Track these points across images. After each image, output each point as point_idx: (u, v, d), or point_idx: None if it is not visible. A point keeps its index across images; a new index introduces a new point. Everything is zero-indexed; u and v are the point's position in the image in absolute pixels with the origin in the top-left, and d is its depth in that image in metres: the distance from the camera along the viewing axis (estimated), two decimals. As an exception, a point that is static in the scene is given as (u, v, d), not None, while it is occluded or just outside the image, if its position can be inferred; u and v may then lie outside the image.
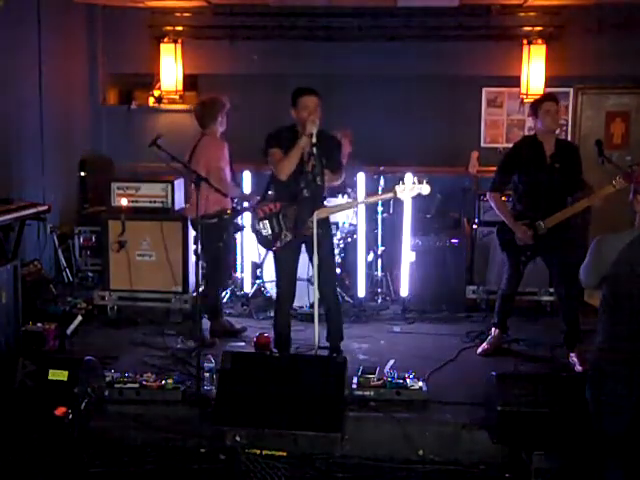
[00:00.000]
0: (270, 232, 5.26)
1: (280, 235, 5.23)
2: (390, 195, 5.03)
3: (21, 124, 7.32)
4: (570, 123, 9.00)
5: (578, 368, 5.42)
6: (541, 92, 8.66)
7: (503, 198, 5.75)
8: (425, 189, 4.93)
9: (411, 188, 4.91)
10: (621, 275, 3.50)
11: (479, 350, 5.83)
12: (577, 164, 5.60)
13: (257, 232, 5.36)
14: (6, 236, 6.26)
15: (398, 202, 7.24)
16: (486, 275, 6.97)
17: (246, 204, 6.43)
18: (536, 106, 5.54)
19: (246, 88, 9.00)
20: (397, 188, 4.86)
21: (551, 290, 6.83)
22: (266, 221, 5.26)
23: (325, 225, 5.31)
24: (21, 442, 4.38)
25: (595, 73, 8.70)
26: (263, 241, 5.37)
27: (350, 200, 5.32)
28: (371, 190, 7.13)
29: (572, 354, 5.56)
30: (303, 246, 5.37)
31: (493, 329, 5.88)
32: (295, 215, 5.19)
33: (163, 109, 9.08)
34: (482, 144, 8.90)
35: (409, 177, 4.76)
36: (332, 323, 5.48)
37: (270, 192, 5.41)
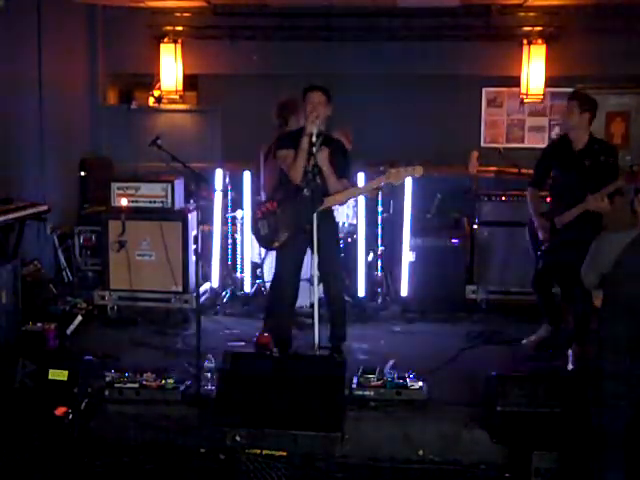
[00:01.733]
0: (267, 231, 5.27)
1: (277, 234, 5.23)
2: (385, 179, 5.06)
3: (21, 124, 7.31)
4: (570, 123, 8.99)
5: (570, 366, 5.43)
6: (541, 92, 8.67)
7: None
8: (418, 171, 4.96)
9: (405, 171, 4.94)
10: (621, 274, 3.50)
11: (524, 340, 5.89)
12: (609, 165, 5.45)
13: (256, 232, 5.36)
14: (6, 236, 6.26)
15: (398, 202, 7.25)
16: (486, 275, 6.97)
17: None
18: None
19: (246, 88, 9.00)
20: (390, 173, 4.90)
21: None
22: (264, 221, 5.27)
23: (329, 224, 5.29)
24: (21, 442, 4.38)
25: (595, 73, 8.70)
26: (262, 240, 5.38)
27: (347, 190, 5.26)
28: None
29: (569, 352, 5.55)
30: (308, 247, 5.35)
31: (544, 325, 5.90)
32: (293, 213, 5.18)
33: (163, 109, 9.08)
34: (482, 144, 8.90)
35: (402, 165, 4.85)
36: (336, 324, 5.46)
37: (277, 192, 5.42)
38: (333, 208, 5.42)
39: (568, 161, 5.53)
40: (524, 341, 5.91)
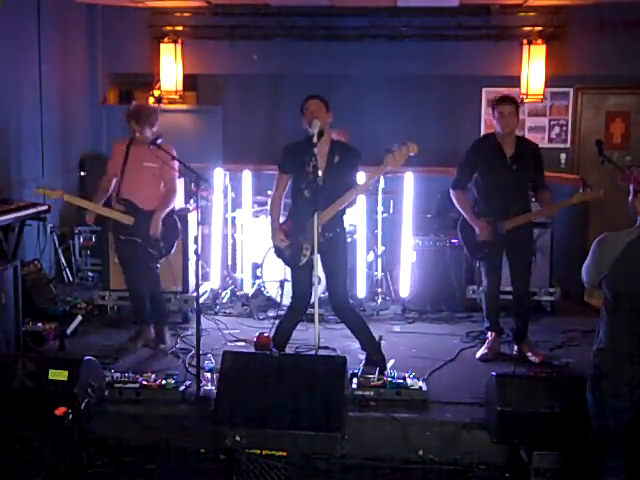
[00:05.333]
0: (292, 252, 5.22)
1: (301, 250, 5.17)
2: (383, 168, 5.00)
3: (21, 124, 7.31)
4: (570, 123, 9.01)
5: (536, 359, 5.59)
6: (541, 92, 8.66)
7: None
8: (412, 149, 4.90)
9: (401, 153, 4.88)
10: (621, 275, 3.50)
11: (478, 355, 5.79)
12: (537, 163, 5.63)
13: (280, 255, 5.33)
14: (6, 236, 6.25)
15: (398, 202, 7.26)
16: (486, 275, 6.96)
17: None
18: (493, 107, 5.57)
19: (246, 88, 9.01)
20: (388, 158, 4.86)
21: (551, 290, 6.85)
22: (287, 243, 5.23)
23: (336, 231, 5.22)
24: (21, 442, 4.38)
25: (595, 73, 8.70)
26: (289, 262, 5.31)
27: (348, 192, 5.15)
28: (371, 190, 7.14)
29: (529, 353, 5.67)
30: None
31: (489, 333, 5.87)
32: (301, 221, 5.16)
33: (163, 109, 9.07)
34: (482, 144, 8.89)
35: (396, 146, 4.80)
36: (356, 330, 5.38)
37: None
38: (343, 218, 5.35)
39: (499, 164, 5.54)
40: (478, 356, 5.79)
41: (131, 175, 5.82)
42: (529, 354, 5.66)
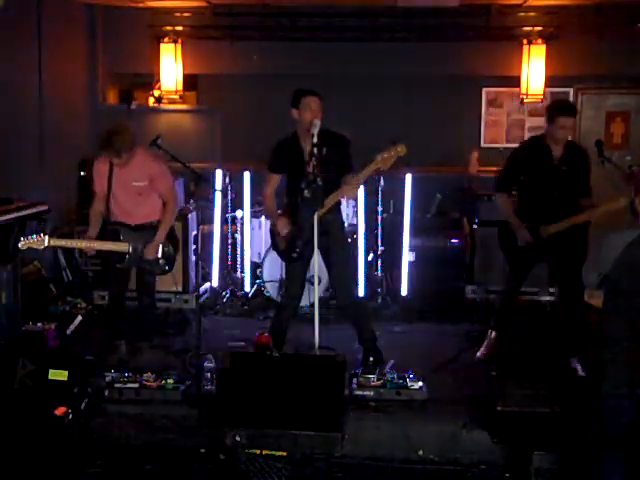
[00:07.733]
0: (285, 245, 5.26)
1: (294, 244, 5.19)
2: (374, 166, 5.03)
3: (21, 124, 7.31)
4: (570, 123, 8.99)
5: (581, 373, 5.35)
6: (541, 92, 8.65)
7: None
8: (401, 149, 4.94)
9: (389, 155, 4.92)
10: (622, 274, 3.50)
11: (478, 355, 5.78)
12: (585, 169, 5.48)
13: (276, 248, 5.36)
14: (6, 236, 6.25)
15: (398, 202, 7.26)
16: (486, 275, 6.96)
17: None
18: (552, 115, 5.37)
19: (246, 88, 9.00)
20: (377, 158, 4.88)
21: (551, 290, 6.84)
22: (290, 227, 5.24)
23: (337, 230, 5.25)
24: (21, 442, 4.38)
25: (595, 73, 8.70)
26: (282, 255, 5.36)
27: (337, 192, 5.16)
28: (371, 190, 7.14)
29: (573, 359, 5.49)
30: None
31: (490, 331, 5.86)
32: (299, 218, 5.16)
33: (163, 109, 9.08)
34: (482, 144, 8.90)
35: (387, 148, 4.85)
36: (358, 325, 5.42)
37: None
38: (340, 211, 5.38)
39: (547, 167, 5.42)
40: (478, 355, 5.78)
41: (120, 197, 5.51)
42: (577, 365, 5.40)
